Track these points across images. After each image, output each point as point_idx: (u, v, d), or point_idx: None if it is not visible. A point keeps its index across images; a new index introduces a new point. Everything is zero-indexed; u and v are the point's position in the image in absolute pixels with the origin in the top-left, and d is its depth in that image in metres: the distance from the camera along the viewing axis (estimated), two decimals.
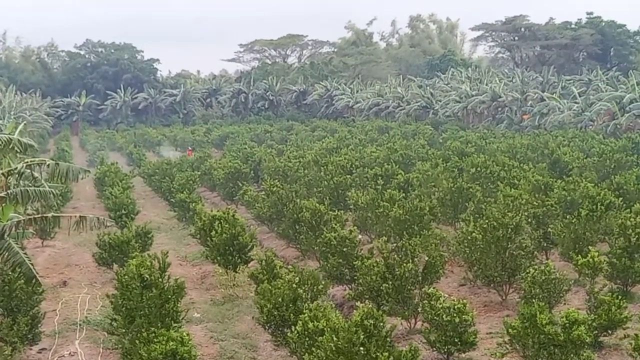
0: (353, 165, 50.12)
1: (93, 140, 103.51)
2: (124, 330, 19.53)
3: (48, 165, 24.79)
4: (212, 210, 34.08)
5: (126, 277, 19.70)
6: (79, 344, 23.47)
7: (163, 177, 55.19)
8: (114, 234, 31.68)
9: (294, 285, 21.38)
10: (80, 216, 24.45)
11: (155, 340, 17.11)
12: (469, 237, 27.25)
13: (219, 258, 30.40)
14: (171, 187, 49.51)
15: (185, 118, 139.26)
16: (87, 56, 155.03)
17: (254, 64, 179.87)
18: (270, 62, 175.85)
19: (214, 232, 30.26)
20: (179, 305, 20.13)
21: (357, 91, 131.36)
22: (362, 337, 15.65)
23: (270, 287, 21.65)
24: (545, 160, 51.78)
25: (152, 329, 17.88)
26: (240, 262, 30.18)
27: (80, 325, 25.48)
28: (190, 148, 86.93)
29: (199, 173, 56.29)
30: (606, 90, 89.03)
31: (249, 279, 27.09)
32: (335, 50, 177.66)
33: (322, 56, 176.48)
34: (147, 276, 19.45)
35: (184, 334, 17.54)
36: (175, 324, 19.38)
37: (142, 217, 42.99)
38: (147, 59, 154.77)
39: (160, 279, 19.72)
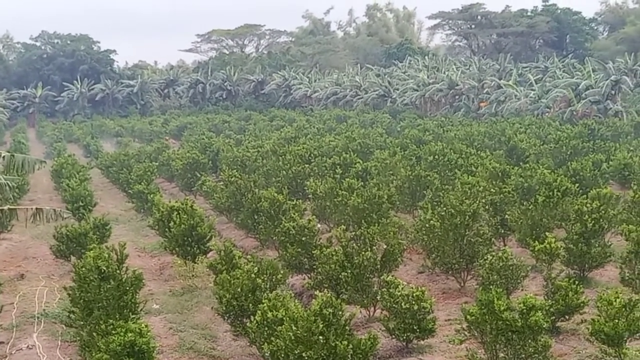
0: (311, 155, 50.11)
1: (50, 132, 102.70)
2: (82, 323, 19.42)
3: (3, 157, 24.61)
4: (170, 201, 33.95)
5: (84, 269, 19.59)
6: (37, 337, 23.29)
7: (121, 168, 54.91)
8: (71, 226, 31.47)
9: (253, 275, 21.36)
10: (37, 208, 24.32)
11: (113, 332, 17.00)
12: (427, 225, 27.35)
13: (177, 249, 30.32)
14: (129, 179, 49.24)
15: (142, 109, 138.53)
16: (43, 47, 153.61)
17: (211, 54, 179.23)
18: (227, 52, 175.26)
19: (172, 223, 30.16)
20: (137, 296, 20.05)
21: (315, 80, 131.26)
22: (321, 325, 15.66)
23: (229, 278, 21.61)
24: (502, 148, 52.05)
25: (110, 320, 17.77)
26: (199, 253, 30.11)
27: (38, 318, 25.29)
28: (166, 137, 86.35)
29: (157, 164, 56.02)
30: (562, 77, 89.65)
31: (207, 270, 27.02)
32: (293, 39, 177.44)
33: (280, 46, 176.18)
34: (105, 268, 19.35)
35: (143, 325, 17.43)
36: (134, 316, 19.29)
37: (100, 209, 42.76)
38: (103, 50, 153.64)
39: (118, 271, 19.63)
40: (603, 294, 19.32)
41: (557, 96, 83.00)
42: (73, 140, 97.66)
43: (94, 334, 17.91)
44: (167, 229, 30.57)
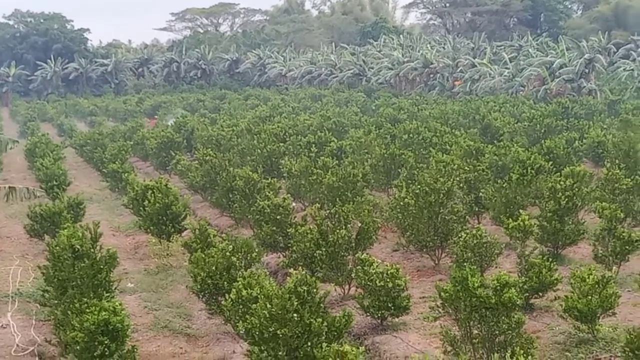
0: (286, 133, 50.03)
1: (23, 111, 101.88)
2: (56, 302, 19.33)
3: None
4: (145, 180, 33.81)
5: (58, 248, 19.48)
6: (11, 316, 23.19)
7: (95, 147, 54.60)
8: (45, 205, 31.29)
9: (228, 254, 21.33)
10: (10, 187, 24.22)
11: (87, 310, 16.96)
12: (402, 203, 27.41)
13: (152, 228, 30.26)
14: (103, 158, 49.01)
15: (117, 88, 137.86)
16: (15, 26, 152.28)
17: (186, 33, 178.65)
18: (202, 31, 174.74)
19: (146, 202, 30.07)
20: (111, 275, 19.97)
21: (290, 59, 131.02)
22: (295, 303, 15.65)
23: (203, 256, 21.57)
24: (477, 126, 52.12)
25: (85, 299, 17.71)
26: (173, 232, 30.06)
27: (12, 297, 25.15)
28: (154, 117, 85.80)
29: (132, 143, 55.77)
30: (536, 56, 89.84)
31: (182, 248, 26.96)
32: (268, 18, 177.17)
33: (255, 24, 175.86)
34: (79, 247, 19.25)
35: (117, 303, 17.40)
36: (108, 294, 19.22)
37: (74, 188, 42.52)
38: (77, 29, 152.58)
39: (92, 250, 19.53)
40: (576, 271, 19.44)
41: (531, 75, 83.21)
42: (47, 119, 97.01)
43: (68, 312, 17.82)
44: (141, 208, 30.46)
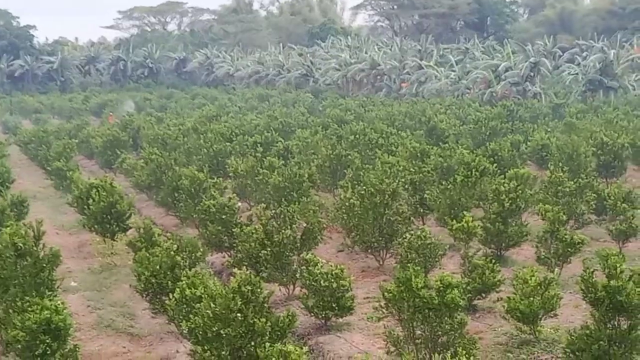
0: (233, 133, 49.93)
1: None
2: None
3: None
4: (89, 179, 33.57)
5: (0, 246, 19.28)
6: None
7: (39, 145, 54.14)
8: None
9: (172, 253, 21.24)
10: None
11: (29, 309, 16.79)
12: (347, 204, 27.49)
13: (96, 226, 30.06)
14: (48, 156, 48.59)
15: (62, 86, 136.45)
16: None
17: (133, 31, 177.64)
18: (149, 30, 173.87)
19: (91, 201, 29.84)
20: (54, 274, 19.80)
21: (238, 59, 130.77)
22: (239, 303, 15.62)
23: (148, 255, 21.46)
24: (423, 128, 52.33)
25: (27, 298, 17.54)
26: (118, 231, 29.88)
27: None
28: (110, 113, 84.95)
29: (77, 141, 55.29)
30: (482, 59, 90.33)
31: (127, 247, 26.79)
32: (216, 17, 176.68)
33: (203, 24, 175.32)
34: (21, 245, 19.07)
35: (59, 302, 17.24)
36: (50, 293, 19.04)
37: (18, 186, 42.07)
38: (23, 26, 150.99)
39: (34, 248, 19.35)
40: (519, 273, 19.61)
41: (477, 77, 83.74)
42: None
43: (10, 311, 17.66)
44: (86, 207, 30.22)
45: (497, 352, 19.01)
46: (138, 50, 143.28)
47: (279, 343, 15.29)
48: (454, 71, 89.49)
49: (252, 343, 15.57)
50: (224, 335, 15.56)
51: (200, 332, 15.92)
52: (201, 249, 22.95)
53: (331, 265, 21.20)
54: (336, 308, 20.72)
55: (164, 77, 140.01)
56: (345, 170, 37.52)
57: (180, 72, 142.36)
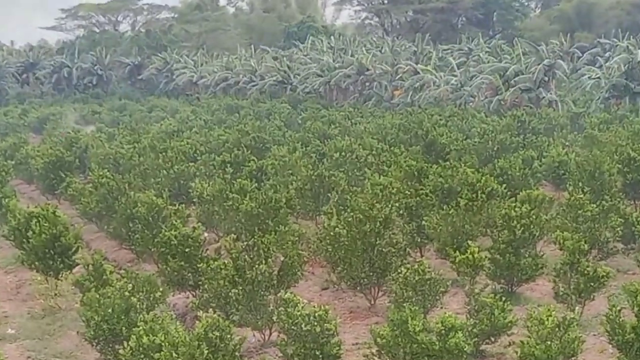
0: (197, 151, 49.98)
1: None
2: None
3: None
4: (29, 207, 33.52)
5: None
6: None
7: None
8: None
9: (127, 294, 21.23)
10: None
11: None
12: (332, 233, 27.48)
13: (37, 263, 29.92)
14: None
15: None
16: None
17: (79, 32, 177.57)
18: (98, 31, 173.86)
19: (30, 233, 29.74)
20: None
21: (202, 64, 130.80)
22: (205, 352, 15.64)
23: (98, 297, 21.44)
24: (419, 143, 52.33)
25: None
26: (63, 268, 29.74)
27: None
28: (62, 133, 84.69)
29: (13, 162, 55.20)
30: (488, 61, 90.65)
31: (73, 288, 26.77)
32: (176, 16, 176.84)
33: (160, 23, 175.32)
34: None
35: None
36: None
37: None
38: None
39: None
40: (534, 312, 19.62)
41: (483, 83, 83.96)
42: None
43: None
44: (25, 240, 30.12)
45: None
46: (85, 55, 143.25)
47: None
48: (455, 76, 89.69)
49: None
50: None
51: None
52: (161, 289, 22.94)
53: (314, 306, 21.18)
54: (320, 356, 20.65)
55: (116, 86, 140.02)
56: (329, 194, 37.51)
57: (134, 80, 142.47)
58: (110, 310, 20.91)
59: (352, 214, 27.42)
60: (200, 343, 15.66)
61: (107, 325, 20.92)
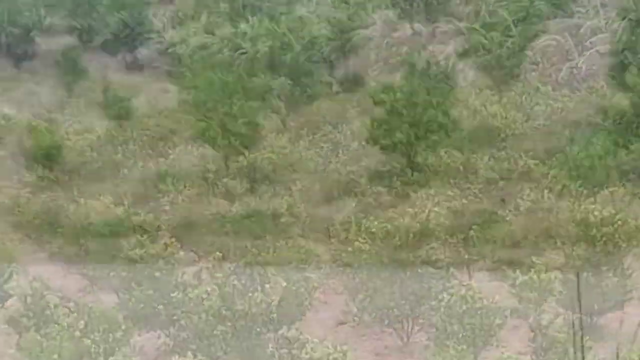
0: (169, 143, 50.07)
1: None
2: None
3: None
4: None
5: None
6: None
7: None
8: None
9: (78, 334, 21.25)
10: None
11: None
12: (350, 249, 27.64)
13: None
14: None
15: None
16: None
17: None
18: None
19: None
20: None
21: (173, 27, 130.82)
22: None
23: (40, 339, 21.47)
24: (464, 127, 52.29)
25: None
26: None
27: None
28: None
29: None
30: (555, 16, 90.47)
31: (6, 327, 26.80)
32: None
33: None
34: None
35: None
36: None
37: None
38: None
39: None
40: (622, 351, 19.60)
41: (549, 45, 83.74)
42: None
43: None
44: None
45: None
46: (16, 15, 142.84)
47: None
48: (511, 37, 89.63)
49: None
50: None
51: None
52: (123, 326, 22.97)
53: (328, 347, 21.19)
54: None
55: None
56: (345, 197, 37.58)
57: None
58: (56, 357, 20.94)
59: (376, 222, 27.44)
60: None
61: None
